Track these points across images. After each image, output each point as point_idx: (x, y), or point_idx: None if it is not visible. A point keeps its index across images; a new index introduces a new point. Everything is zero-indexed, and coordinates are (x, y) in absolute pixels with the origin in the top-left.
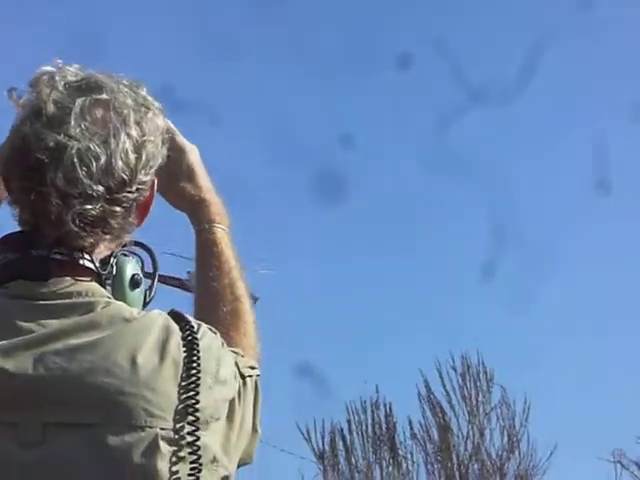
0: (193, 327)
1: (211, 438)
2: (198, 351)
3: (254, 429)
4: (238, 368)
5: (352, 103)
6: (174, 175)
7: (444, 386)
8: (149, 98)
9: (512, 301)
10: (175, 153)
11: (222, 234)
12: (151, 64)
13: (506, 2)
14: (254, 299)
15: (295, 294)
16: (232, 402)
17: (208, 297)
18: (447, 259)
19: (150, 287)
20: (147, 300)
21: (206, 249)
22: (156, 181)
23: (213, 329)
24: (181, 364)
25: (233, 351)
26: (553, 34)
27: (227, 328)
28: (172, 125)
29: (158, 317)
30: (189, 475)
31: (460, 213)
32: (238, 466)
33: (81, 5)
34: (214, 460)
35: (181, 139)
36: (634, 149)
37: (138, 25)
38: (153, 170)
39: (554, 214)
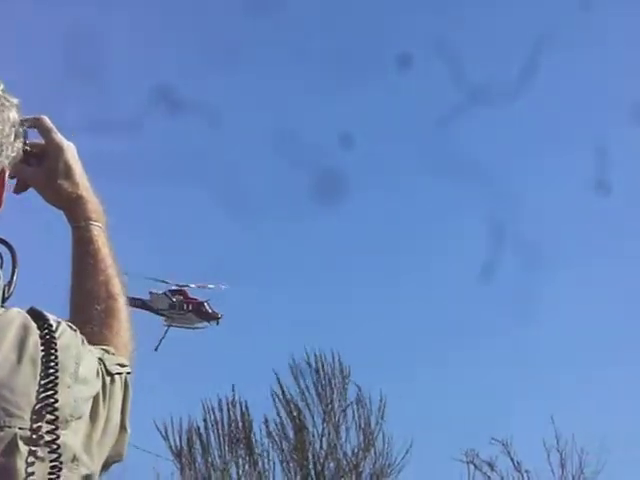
0: (51, 325)
1: (71, 437)
2: (56, 350)
3: (123, 427)
4: (105, 366)
5: (352, 103)
6: (51, 172)
7: (299, 385)
8: (4, 94)
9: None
10: (53, 151)
11: (98, 232)
12: (152, 64)
13: (507, 2)
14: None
15: None
16: (96, 400)
17: (83, 295)
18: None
19: (9, 283)
20: (6, 296)
21: (82, 246)
22: (7, 171)
23: (73, 327)
24: (39, 363)
25: (103, 349)
26: (554, 34)
27: (100, 326)
28: (50, 123)
29: (17, 315)
30: (49, 474)
31: (460, 213)
32: (108, 465)
33: (82, 4)
34: (74, 459)
35: (59, 137)
36: (635, 150)
37: (140, 25)
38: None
39: (554, 214)
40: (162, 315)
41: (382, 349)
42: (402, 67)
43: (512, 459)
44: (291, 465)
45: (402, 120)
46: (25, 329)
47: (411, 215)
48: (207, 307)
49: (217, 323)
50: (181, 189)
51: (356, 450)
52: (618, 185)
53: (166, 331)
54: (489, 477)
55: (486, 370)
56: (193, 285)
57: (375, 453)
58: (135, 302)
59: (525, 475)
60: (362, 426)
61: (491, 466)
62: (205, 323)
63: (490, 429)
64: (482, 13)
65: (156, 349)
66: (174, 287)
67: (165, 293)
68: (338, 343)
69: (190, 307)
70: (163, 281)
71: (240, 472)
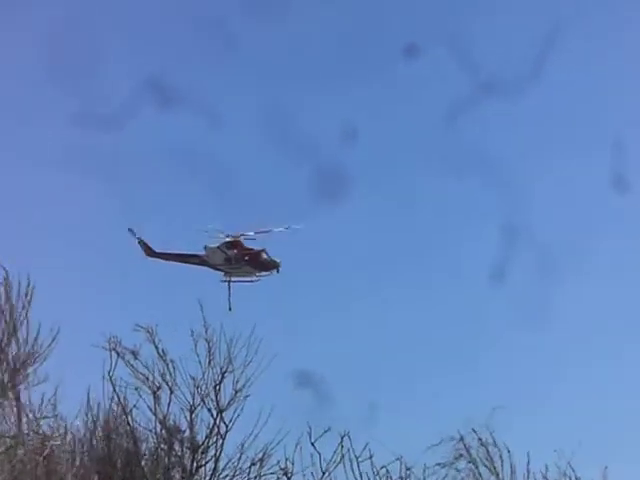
0: None
1: None
2: None
3: None
4: None
5: (355, 96)
6: None
7: None
8: None
9: None
10: None
11: None
12: (141, 55)
13: None
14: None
15: None
16: None
17: None
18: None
19: None
20: None
21: None
22: None
23: None
24: None
25: None
26: (569, 26)
27: None
28: None
29: None
30: None
31: (469, 212)
32: None
33: None
34: None
35: None
36: None
37: (134, 14)
38: None
39: (569, 213)
40: (219, 270)
41: None
42: (410, 57)
43: (157, 347)
44: None
45: (409, 113)
46: None
47: (417, 215)
48: (265, 256)
49: (277, 271)
50: (176, 186)
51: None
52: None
53: (229, 287)
54: (132, 365)
55: None
56: (251, 233)
57: (20, 339)
58: (192, 259)
59: (170, 365)
60: (7, 311)
61: (134, 354)
62: (264, 272)
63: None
64: (494, 2)
65: (230, 309)
66: (228, 238)
67: (219, 247)
68: None
69: (247, 258)
70: (220, 233)
71: None
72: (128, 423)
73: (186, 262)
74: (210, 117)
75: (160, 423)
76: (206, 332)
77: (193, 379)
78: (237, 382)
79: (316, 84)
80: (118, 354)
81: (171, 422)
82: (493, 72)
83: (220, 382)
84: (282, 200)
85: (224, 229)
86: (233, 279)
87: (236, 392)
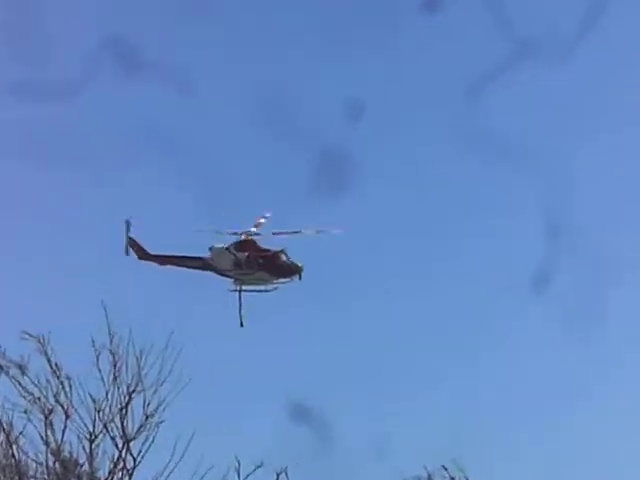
0: None
1: None
2: None
3: None
4: None
5: (364, 63)
6: None
7: None
8: None
9: None
10: None
11: None
12: (102, 15)
13: None
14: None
15: None
16: None
17: None
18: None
19: None
20: None
21: None
22: None
23: None
24: None
25: None
26: None
27: None
28: None
29: None
30: None
31: (495, 198)
32: None
33: None
34: None
35: None
36: None
37: None
38: None
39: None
40: (227, 276)
41: None
42: (429, 11)
43: (49, 360)
44: None
45: (424, 86)
46: None
47: (433, 206)
48: (284, 258)
49: (299, 277)
50: (145, 170)
51: None
52: None
53: (239, 298)
54: (19, 382)
55: None
56: (272, 233)
57: None
58: (194, 262)
59: (66, 382)
60: None
61: (22, 368)
62: (283, 279)
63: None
64: None
65: (241, 324)
66: (240, 237)
67: (228, 248)
68: None
69: (260, 261)
70: (234, 233)
71: None
72: (13, 455)
73: (187, 266)
74: (184, 88)
75: (53, 454)
76: (111, 342)
77: (94, 401)
78: (148, 405)
79: (314, 51)
80: (2, 368)
81: (66, 454)
82: (527, 34)
83: (127, 405)
84: (274, 190)
85: (220, 228)
86: (245, 288)
87: (147, 417)
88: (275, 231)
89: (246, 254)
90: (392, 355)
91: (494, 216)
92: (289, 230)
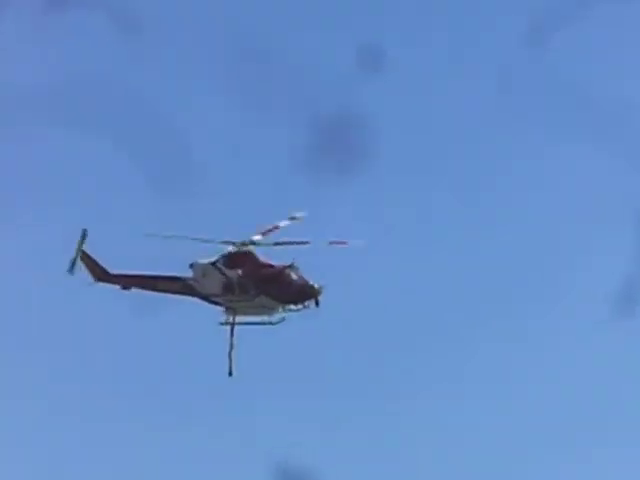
0: None
1: None
2: None
3: None
4: None
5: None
6: None
7: None
8: None
9: None
10: None
11: None
12: None
13: None
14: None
15: None
16: None
17: None
18: None
19: None
20: None
21: None
22: None
23: None
24: None
25: None
26: None
27: None
28: None
29: None
30: None
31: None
32: None
33: None
34: None
35: None
36: None
37: None
38: None
39: None
40: (216, 304)
41: None
42: None
43: None
44: None
45: (464, 33)
46: None
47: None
48: (294, 276)
49: (317, 304)
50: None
51: None
52: None
53: (231, 332)
54: None
55: None
56: (257, 237)
57: None
58: (170, 284)
59: None
60: None
61: None
62: (295, 306)
63: None
64: None
65: (230, 373)
66: (231, 248)
67: (215, 263)
68: None
69: (260, 281)
70: (226, 242)
71: None
72: None
73: (161, 290)
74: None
75: None
76: None
77: None
78: None
79: None
80: None
81: None
82: None
83: None
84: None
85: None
86: (239, 319)
87: None
88: (278, 240)
89: (239, 272)
90: None
91: None
92: (295, 240)
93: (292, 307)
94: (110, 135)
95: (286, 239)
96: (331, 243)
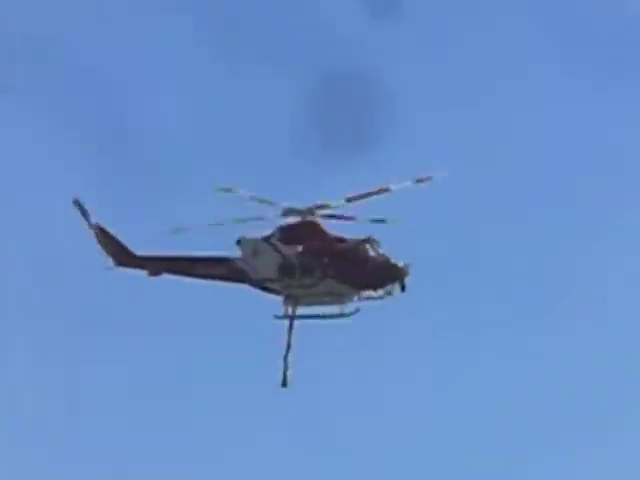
0: None
1: None
2: None
3: None
4: None
5: None
6: None
7: None
8: None
9: None
10: None
11: None
12: None
13: None
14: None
15: None
16: None
17: None
18: None
19: None
20: None
21: None
22: None
23: None
24: None
25: None
26: None
27: None
28: None
29: None
30: None
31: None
32: None
33: None
34: None
35: None
36: None
37: None
38: None
39: None
40: (271, 291)
41: None
42: None
43: None
44: None
45: None
46: None
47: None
48: (372, 253)
49: (402, 288)
50: None
51: None
52: None
53: (289, 331)
54: None
55: None
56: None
57: None
58: (212, 268)
59: None
60: None
61: None
62: (374, 293)
63: None
64: None
65: (284, 384)
66: (290, 219)
67: (269, 238)
68: None
69: (327, 259)
70: (288, 211)
71: None
72: None
73: (200, 275)
74: None
75: None
76: None
77: None
78: None
79: None
80: None
81: None
82: None
83: None
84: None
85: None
86: (301, 310)
87: None
88: (349, 196)
89: (300, 249)
90: None
91: None
92: (369, 191)
93: (373, 294)
94: None
95: (358, 193)
96: (417, 181)
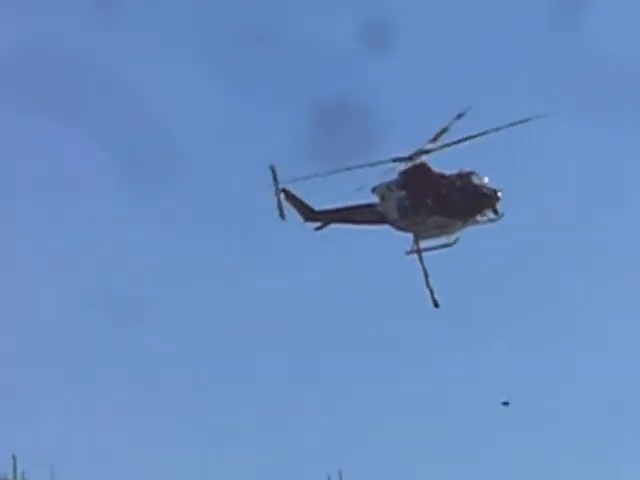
0: None
1: None
2: None
3: None
4: None
5: None
6: None
7: None
8: None
9: None
10: None
11: None
12: None
13: None
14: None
15: None
16: None
17: None
18: None
19: None
20: None
21: None
22: None
23: None
24: None
25: None
26: None
27: None
28: None
29: None
30: None
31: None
32: None
33: None
34: None
35: None
36: None
37: None
38: None
39: None
40: (403, 230)
41: None
42: None
43: None
44: None
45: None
46: None
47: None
48: (476, 181)
49: (495, 212)
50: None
51: None
52: None
53: (420, 262)
54: None
55: None
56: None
57: None
58: (363, 214)
59: None
60: None
61: None
62: (474, 219)
63: None
64: None
65: (435, 304)
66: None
67: (390, 185)
68: None
69: (428, 198)
70: (395, 159)
71: None
72: None
73: (356, 221)
74: None
75: None
76: None
77: None
78: None
79: None
80: None
81: None
82: None
83: None
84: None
85: None
86: (424, 245)
87: None
88: (433, 137)
89: (405, 191)
90: None
91: None
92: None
93: (471, 220)
94: None
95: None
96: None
